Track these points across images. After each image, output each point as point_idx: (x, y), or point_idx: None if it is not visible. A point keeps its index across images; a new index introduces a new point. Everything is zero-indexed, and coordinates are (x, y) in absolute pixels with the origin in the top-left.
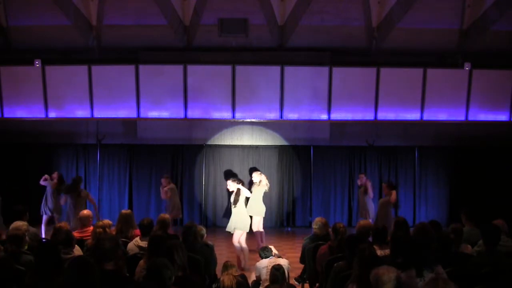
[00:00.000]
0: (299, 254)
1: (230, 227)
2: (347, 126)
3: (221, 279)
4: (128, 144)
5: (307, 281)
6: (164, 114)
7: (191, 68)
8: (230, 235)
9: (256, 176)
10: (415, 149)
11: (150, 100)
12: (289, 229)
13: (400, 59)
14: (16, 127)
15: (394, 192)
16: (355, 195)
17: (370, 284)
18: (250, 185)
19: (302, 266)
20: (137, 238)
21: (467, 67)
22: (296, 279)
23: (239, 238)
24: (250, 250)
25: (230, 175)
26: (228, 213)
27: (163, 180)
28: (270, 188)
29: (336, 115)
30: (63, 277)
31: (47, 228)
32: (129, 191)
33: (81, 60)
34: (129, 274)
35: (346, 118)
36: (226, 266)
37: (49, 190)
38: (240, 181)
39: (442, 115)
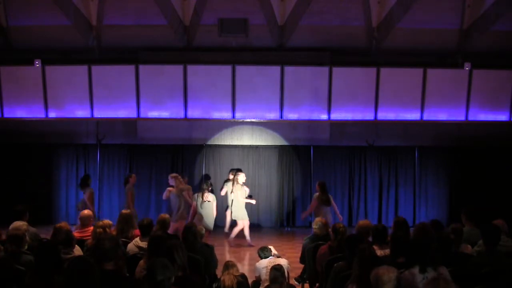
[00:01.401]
0: (299, 254)
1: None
2: (347, 126)
3: (222, 278)
4: (128, 144)
5: (307, 281)
6: (164, 114)
7: (191, 68)
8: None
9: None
10: (415, 149)
11: (150, 100)
12: (288, 229)
13: (400, 59)
14: (16, 127)
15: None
16: (355, 195)
17: (370, 284)
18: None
19: (302, 266)
20: (137, 239)
21: (467, 67)
22: (296, 279)
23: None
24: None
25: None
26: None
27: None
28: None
29: (336, 115)
30: (63, 277)
31: None
32: None
33: (81, 60)
34: (129, 274)
35: (346, 118)
36: (227, 266)
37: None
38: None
39: (442, 115)
